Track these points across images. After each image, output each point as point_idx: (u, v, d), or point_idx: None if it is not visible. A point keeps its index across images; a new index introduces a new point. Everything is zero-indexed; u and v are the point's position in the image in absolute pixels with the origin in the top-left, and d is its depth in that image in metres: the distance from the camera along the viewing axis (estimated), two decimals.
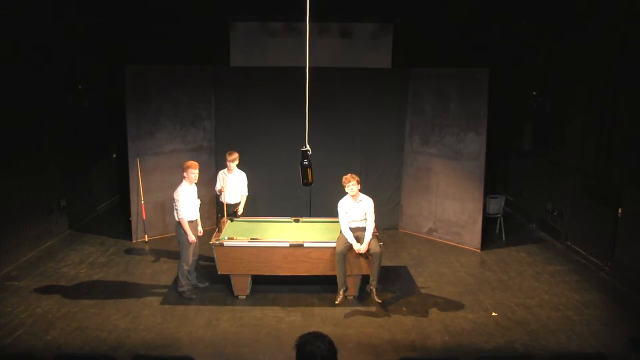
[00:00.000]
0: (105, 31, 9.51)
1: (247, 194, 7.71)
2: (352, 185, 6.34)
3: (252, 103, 9.15)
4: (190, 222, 6.56)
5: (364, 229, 6.41)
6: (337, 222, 6.55)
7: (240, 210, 7.64)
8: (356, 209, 6.45)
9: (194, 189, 6.68)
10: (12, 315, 6.05)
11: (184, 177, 6.57)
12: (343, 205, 6.47)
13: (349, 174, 6.42)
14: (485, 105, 8.12)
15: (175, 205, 6.47)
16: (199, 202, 6.79)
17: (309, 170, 5.54)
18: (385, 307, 6.39)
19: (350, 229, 6.41)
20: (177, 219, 6.52)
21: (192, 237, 6.55)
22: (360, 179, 6.52)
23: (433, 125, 8.83)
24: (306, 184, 5.64)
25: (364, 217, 6.47)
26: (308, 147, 5.46)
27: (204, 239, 7.06)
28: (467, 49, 9.38)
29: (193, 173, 6.57)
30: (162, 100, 8.63)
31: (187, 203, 6.51)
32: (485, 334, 5.85)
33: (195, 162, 6.66)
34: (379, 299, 6.37)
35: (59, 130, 8.74)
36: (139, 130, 8.49)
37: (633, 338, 5.63)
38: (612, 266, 7.34)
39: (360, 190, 6.50)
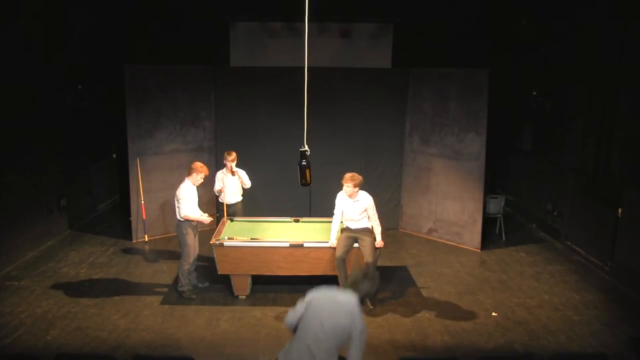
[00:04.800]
0: (105, 31, 9.52)
1: (250, 185, 7.74)
2: (347, 187, 6.28)
3: (252, 103, 9.16)
4: (195, 220, 6.58)
5: (363, 230, 6.39)
6: None
7: (248, 183, 7.68)
8: (352, 207, 6.39)
9: (195, 187, 6.69)
10: (12, 315, 6.06)
11: (189, 177, 6.57)
12: (340, 199, 6.45)
13: (348, 174, 6.29)
14: (485, 105, 8.13)
15: (178, 203, 6.48)
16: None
17: (307, 171, 5.54)
18: (385, 307, 6.38)
19: (350, 228, 6.41)
20: (179, 217, 6.51)
21: (207, 219, 6.60)
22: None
23: (433, 125, 8.83)
24: (304, 184, 5.64)
25: (361, 216, 6.43)
26: (306, 147, 5.46)
27: (204, 239, 7.06)
28: (467, 49, 9.38)
29: (202, 179, 6.63)
30: (162, 100, 8.63)
31: (190, 202, 6.51)
32: (485, 334, 5.85)
33: (207, 169, 6.67)
34: (370, 304, 6.34)
35: (59, 130, 8.74)
36: (139, 130, 8.49)
37: (633, 338, 5.65)
38: (612, 266, 7.34)
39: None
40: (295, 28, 9.02)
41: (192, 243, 6.61)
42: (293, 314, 3.64)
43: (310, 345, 3.41)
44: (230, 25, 9.51)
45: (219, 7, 9.20)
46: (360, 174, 6.57)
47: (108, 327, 5.84)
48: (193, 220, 6.56)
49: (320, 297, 3.56)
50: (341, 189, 6.48)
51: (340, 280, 6.37)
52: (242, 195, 7.84)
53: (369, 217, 6.43)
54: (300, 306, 3.62)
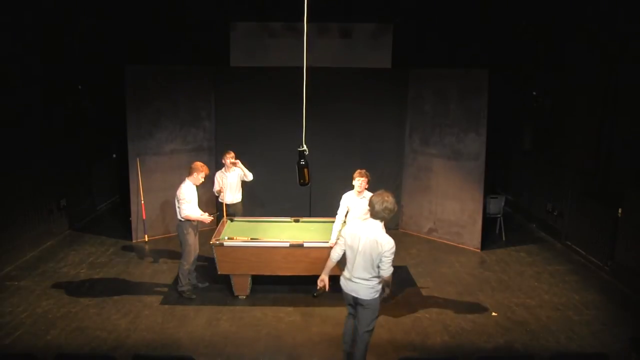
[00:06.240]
0: (105, 31, 9.52)
1: (251, 177, 7.72)
2: (359, 180, 6.33)
3: (252, 103, 9.17)
4: (192, 221, 6.58)
5: None
6: None
7: (249, 176, 7.65)
8: (359, 205, 6.40)
9: (195, 187, 6.69)
10: (12, 315, 6.06)
11: (190, 177, 6.57)
12: (346, 198, 6.46)
13: (363, 170, 6.41)
14: (485, 105, 8.13)
15: (179, 204, 6.48)
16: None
17: (305, 170, 5.54)
18: (385, 307, 6.37)
19: None
20: (180, 217, 6.52)
21: (207, 218, 6.61)
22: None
23: (433, 125, 8.84)
24: (302, 184, 5.64)
25: (366, 216, 6.40)
26: (305, 147, 5.47)
27: (204, 239, 7.06)
28: (467, 49, 9.38)
29: (203, 178, 6.63)
30: (162, 100, 8.64)
31: (190, 202, 6.52)
32: (485, 334, 5.85)
33: (207, 168, 6.68)
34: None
35: (59, 130, 8.74)
36: (139, 130, 8.50)
37: (633, 338, 5.65)
38: (612, 266, 7.34)
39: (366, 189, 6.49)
40: (295, 28, 9.00)
41: (193, 243, 6.61)
42: (336, 253, 4.86)
43: (356, 268, 4.57)
44: (231, 25, 9.51)
45: (219, 7, 9.20)
46: None
47: (108, 327, 5.84)
48: (194, 220, 6.56)
49: (352, 234, 4.64)
50: (343, 189, 6.49)
51: None
52: (242, 195, 7.85)
53: None
54: (340, 245, 4.80)
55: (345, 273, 4.71)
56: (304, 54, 5.30)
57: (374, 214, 4.59)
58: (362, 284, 4.59)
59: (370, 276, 4.57)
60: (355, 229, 4.66)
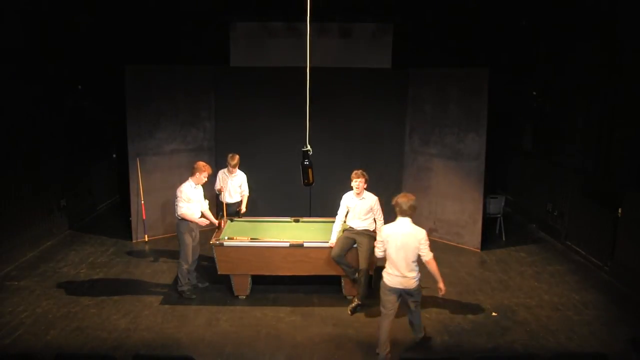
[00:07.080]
0: (105, 31, 9.52)
1: (248, 193, 7.73)
2: (357, 181, 6.31)
3: (252, 103, 9.17)
4: (191, 221, 6.57)
5: (364, 232, 6.37)
6: None
7: (243, 208, 7.67)
8: (358, 205, 6.41)
9: (200, 190, 6.68)
10: (12, 315, 6.06)
11: (192, 177, 6.56)
12: (346, 199, 6.47)
13: (359, 170, 6.36)
14: (485, 105, 8.12)
15: (177, 201, 6.48)
16: (207, 202, 6.82)
17: (309, 170, 5.54)
18: None
19: (353, 228, 6.40)
20: (177, 215, 6.51)
21: (203, 221, 6.62)
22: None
23: (433, 125, 8.83)
24: (307, 184, 5.64)
25: (366, 216, 6.42)
26: (309, 147, 5.46)
27: (203, 239, 7.06)
28: (467, 49, 9.38)
29: (205, 178, 6.62)
30: (162, 100, 8.63)
31: (189, 201, 6.51)
32: (485, 334, 5.85)
33: (209, 168, 6.67)
34: (350, 310, 6.29)
35: (59, 130, 8.74)
36: (139, 130, 8.50)
37: (633, 338, 5.66)
38: (612, 266, 7.34)
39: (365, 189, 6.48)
40: (296, 28, 9.03)
41: (190, 242, 6.60)
42: (379, 252, 5.38)
43: (399, 261, 5.17)
44: (231, 26, 9.51)
45: (219, 7, 9.20)
46: None
47: (108, 327, 5.85)
48: (190, 221, 6.55)
49: (388, 234, 5.25)
50: (343, 189, 6.48)
51: (347, 273, 6.39)
52: (242, 195, 7.81)
53: (375, 219, 6.43)
54: (380, 245, 5.34)
55: (392, 271, 5.23)
56: (307, 54, 5.30)
57: (402, 213, 5.24)
58: (409, 277, 5.20)
59: (412, 268, 5.22)
60: (391, 230, 5.28)
